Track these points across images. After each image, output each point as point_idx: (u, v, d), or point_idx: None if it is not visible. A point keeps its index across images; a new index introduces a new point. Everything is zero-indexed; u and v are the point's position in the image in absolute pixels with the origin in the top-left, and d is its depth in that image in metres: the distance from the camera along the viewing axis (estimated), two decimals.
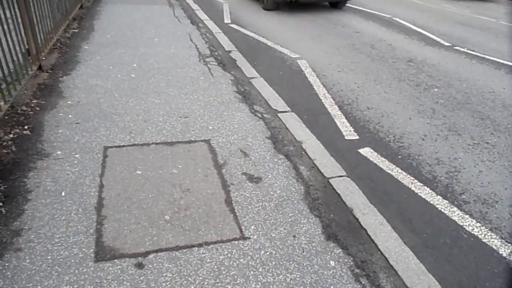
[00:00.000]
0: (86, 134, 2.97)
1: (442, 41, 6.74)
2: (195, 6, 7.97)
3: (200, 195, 2.41)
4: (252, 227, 2.19)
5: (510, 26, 8.63)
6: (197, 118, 3.35)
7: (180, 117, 3.35)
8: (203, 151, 2.89)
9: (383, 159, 3.08)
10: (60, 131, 2.97)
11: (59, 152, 2.71)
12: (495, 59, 5.88)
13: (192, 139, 3.03)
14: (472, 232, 2.41)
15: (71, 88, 3.72)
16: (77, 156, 2.69)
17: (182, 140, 3.01)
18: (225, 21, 7.24)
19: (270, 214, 2.30)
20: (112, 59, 4.59)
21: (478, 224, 2.48)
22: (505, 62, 5.76)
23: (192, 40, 5.58)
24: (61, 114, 3.22)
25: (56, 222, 2.10)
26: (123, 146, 2.87)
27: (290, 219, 2.28)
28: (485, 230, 2.44)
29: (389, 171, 2.93)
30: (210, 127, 3.22)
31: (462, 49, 6.33)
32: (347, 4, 9.46)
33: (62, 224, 2.09)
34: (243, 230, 2.16)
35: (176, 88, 3.92)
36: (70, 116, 3.21)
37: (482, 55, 6.03)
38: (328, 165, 2.83)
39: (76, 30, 5.62)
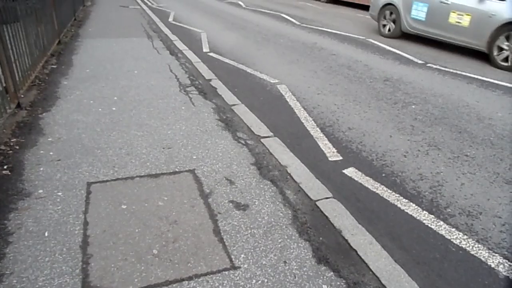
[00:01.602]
0: (68, 170, 2.92)
1: (415, 59, 6.97)
2: (173, 37, 8.08)
3: (188, 227, 2.38)
4: (242, 255, 2.17)
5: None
6: (181, 148, 3.35)
7: (163, 148, 3.34)
8: (188, 181, 2.87)
9: (367, 178, 3.11)
10: (41, 169, 2.92)
11: (40, 191, 2.65)
12: (466, 74, 6.09)
13: (177, 169, 3.02)
14: (460, 245, 2.43)
15: (51, 124, 3.68)
16: (59, 194, 2.63)
17: (167, 171, 2.99)
18: (204, 50, 7.34)
19: (260, 241, 2.29)
20: (93, 93, 4.58)
21: (465, 237, 2.51)
22: (476, 76, 5.97)
23: (172, 71, 5.63)
24: (42, 152, 3.17)
25: (39, 264, 2.03)
26: (107, 181, 2.83)
27: (279, 245, 2.26)
28: (472, 242, 2.46)
29: (374, 190, 2.96)
30: (194, 157, 3.22)
31: (434, 66, 6.55)
32: (321, 28, 9.74)
33: (46, 265, 2.03)
34: (233, 259, 2.14)
35: (158, 119, 3.92)
36: (51, 153, 3.16)
37: (454, 71, 6.24)
38: (314, 187, 2.85)
39: (54, 66, 5.61)
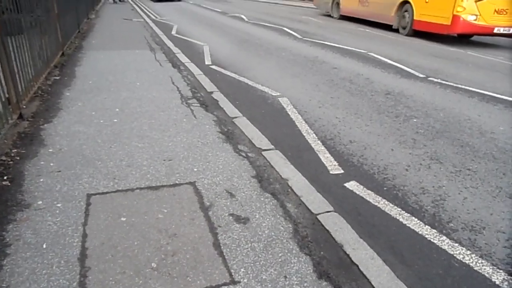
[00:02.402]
0: (68, 182, 2.91)
1: (416, 73, 6.99)
2: (176, 50, 8.15)
3: (187, 240, 2.36)
4: (242, 270, 2.14)
5: (478, 56, 9.03)
6: (182, 161, 3.34)
7: (164, 160, 3.34)
8: (189, 194, 2.85)
9: (369, 191, 3.09)
10: (41, 180, 2.91)
11: (40, 202, 2.64)
12: (467, 87, 6.10)
13: (177, 182, 3.00)
14: (463, 261, 2.40)
15: (52, 135, 3.69)
16: (59, 205, 2.62)
17: (167, 183, 2.97)
18: (206, 62, 7.39)
19: (260, 255, 2.26)
20: (95, 104, 4.60)
21: (468, 252, 2.47)
22: (477, 90, 5.97)
23: (174, 83, 5.66)
24: (42, 163, 3.17)
25: (36, 277, 2.01)
26: (107, 192, 2.81)
27: (280, 259, 2.23)
28: (476, 257, 2.43)
29: (375, 204, 2.93)
30: (195, 169, 3.21)
31: (436, 80, 6.56)
32: (323, 42, 9.83)
33: (43, 278, 2.00)
34: (232, 273, 2.11)
35: (159, 131, 3.92)
36: (51, 164, 3.16)
37: (455, 85, 6.25)
38: (315, 201, 2.82)
39: (57, 77, 5.65)
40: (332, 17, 17.27)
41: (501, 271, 2.32)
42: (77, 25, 9.57)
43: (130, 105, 4.65)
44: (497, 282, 2.23)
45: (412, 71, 7.13)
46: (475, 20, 9.86)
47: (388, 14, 12.55)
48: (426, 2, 10.73)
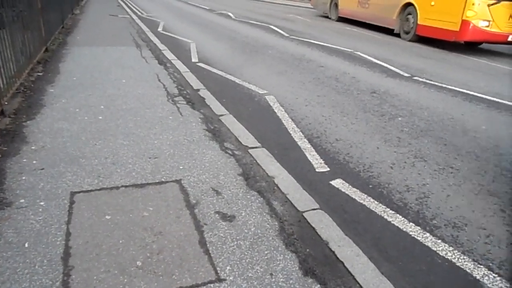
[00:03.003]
0: (52, 180, 2.86)
1: (401, 72, 7.07)
2: (162, 47, 8.07)
3: (173, 238, 2.34)
4: (228, 267, 2.14)
5: (463, 57, 9.18)
6: (167, 158, 3.31)
7: (149, 158, 3.31)
8: (175, 191, 2.83)
9: (354, 189, 3.12)
10: (24, 178, 2.85)
11: (22, 201, 2.58)
12: (451, 87, 6.20)
13: (163, 180, 2.98)
14: (446, 257, 2.44)
15: (35, 132, 3.62)
16: (42, 203, 2.57)
17: (152, 181, 2.95)
18: (193, 60, 7.34)
19: (246, 253, 2.26)
20: (79, 101, 4.53)
21: (451, 248, 2.51)
22: (461, 90, 6.08)
23: (160, 80, 5.61)
24: (25, 160, 3.11)
25: (18, 276, 1.97)
26: (91, 190, 2.78)
27: (266, 257, 2.24)
28: (458, 253, 2.47)
29: (361, 201, 2.96)
30: (181, 167, 3.19)
31: (421, 79, 6.65)
32: (310, 40, 9.87)
33: (25, 278, 1.96)
34: (218, 271, 2.10)
35: (145, 129, 3.88)
36: (34, 162, 3.10)
37: (439, 84, 6.35)
38: (301, 199, 2.84)
39: (41, 74, 5.55)
40: (330, 18, 16.36)
41: (481, 266, 2.37)
42: (61, 21, 9.40)
43: (115, 102, 4.60)
44: (478, 277, 2.28)
45: (398, 70, 7.22)
46: (487, 26, 8.92)
47: (389, 17, 11.80)
48: (432, 5, 9.89)
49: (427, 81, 6.56)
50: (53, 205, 2.57)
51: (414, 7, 10.60)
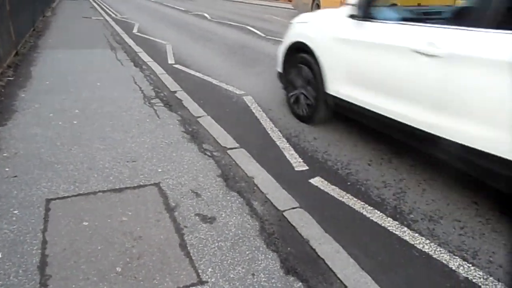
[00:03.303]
0: (26, 187, 2.79)
1: None
2: (137, 49, 7.98)
3: (153, 242, 2.32)
4: (209, 269, 2.13)
5: None
6: (145, 162, 3.28)
7: (127, 161, 3.26)
8: (154, 195, 2.81)
9: (333, 187, 3.15)
10: None
11: None
12: None
13: (141, 183, 2.95)
14: (423, 250, 2.50)
15: (7, 139, 3.52)
16: (15, 212, 2.50)
17: (131, 185, 2.91)
18: (169, 61, 7.29)
19: (227, 254, 2.26)
20: (52, 106, 4.42)
21: (428, 241, 2.57)
22: None
23: (136, 83, 5.54)
24: None
25: None
26: (67, 197, 2.72)
27: (247, 257, 2.24)
28: (434, 246, 2.53)
29: (340, 198, 3.00)
30: (159, 170, 3.16)
31: None
32: (279, 39, 9.92)
33: None
34: (200, 274, 2.09)
35: (121, 132, 3.82)
36: (6, 169, 3.01)
37: None
38: (281, 198, 2.85)
39: (11, 78, 5.40)
40: None
41: (457, 257, 2.43)
42: (32, 23, 9.16)
43: (90, 106, 4.51)
44: (454, 268, 2.34)
45: None
46: None
47: None
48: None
49: None
50: (27, 213, 2.51)
51: None
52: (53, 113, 4.20)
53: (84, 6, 18.50)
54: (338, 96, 3.81)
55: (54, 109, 4.32)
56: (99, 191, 2.82)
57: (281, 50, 4.80)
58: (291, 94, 4.61)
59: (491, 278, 2.26)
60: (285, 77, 4.73)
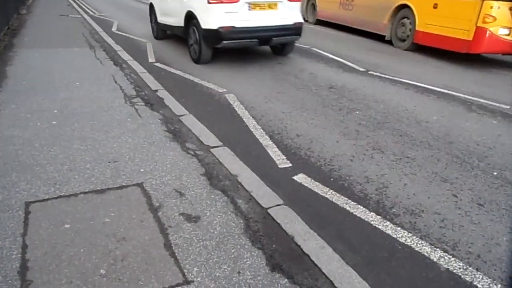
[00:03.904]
0: (3, 191, 2.72)
1: (357, 67, 7.28)
2: (117, 47, 7.85)
3: (137, 243, 2.30)
4: (195, 269, 2.12)
5: (415, 53, 9.54)
6: (128, 162, 3.24)
7: (109, 162, 3.21)
8: (137, 195, 2.77)
9: (317, 183, 3.18)
10: None
11: None
12: (404, 80, 6.45)
13: (124, 184, 2.91)
14: (406, 243, 2.55)
15: None
16: None
17: (113, 186, 2.87)
18: (150, 60, 7.19)
19: (212, 253, 2.25)
20: (30, 106, 4.32)
21: (410, 235, 2.63)
22: (412, 82, 6.33)
23: (116, 82, 5.45)
24: None
25: None
26: (48, 199, 2.67)
27: (233, 255, 2.24)
28: (416, 239, 2.59)
29: (323, 195, 3.03)
30: (142, 170, 3.12)
31: (375, 73, 6.87)
32: None
33: None
34: (185, 273, 2.09)
35: (102, 132, 3.76)
36: None
37: (393, 78, 6.59)
38: (265, 195, 2.86)
39: None
40: (307, 21, 13.62)
41: (437, 249, 2.49)
42: (6, 21, 8.89)
43: (69, 106, 4.43)
44: (435, 260, 2.40)
45: (354, 65, 7.41)
46: (508, 35, 7.21)
47: (379, 22, 9.83)
48: (435, 8, 8.05)
49: (382, 75, 6.78)
50: (6, 217, 2.45)
51: (411, 10, 8.69)
52: (30, 114, 4.11)
53: (61, 4, 18.08)
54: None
55: (32, 110, 4.22)
56: (81, 193, 2.77)
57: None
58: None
59: (470, 268, 2.33)
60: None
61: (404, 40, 9.20)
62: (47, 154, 3.28)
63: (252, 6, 6.46)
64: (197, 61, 7.04)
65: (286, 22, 6.73)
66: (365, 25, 10.58)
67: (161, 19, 8.50)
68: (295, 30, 6.93)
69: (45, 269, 2.06)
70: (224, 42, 6.37)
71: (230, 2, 6.29)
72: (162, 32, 9.04)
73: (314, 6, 13.31)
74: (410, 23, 8.86)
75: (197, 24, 6.57)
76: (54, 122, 3.94)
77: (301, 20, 7.12)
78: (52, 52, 7.14)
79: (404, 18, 9.06)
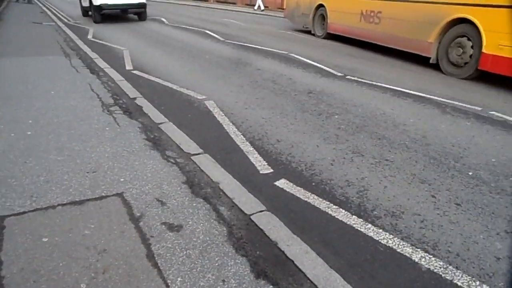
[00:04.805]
0: None
1: (335, 72, 7.38)
2: (93, 55, 7.73)
3: (119, 254, 2.25)
4: (179, 279, 2.09)
5: (391, 58, 9.75)
6: (107, 172, 3.18)
7: (87, 172, 3.15)
8: (117, 205, 2.72)
9: (298, 188, 3.19)
10: None
11: None
12: (381, 84, 6.58)
13: (103, 194, 2.85)
14: (387, 245, 2.58)
15: None
16: None
17: (92, 197, 2.81)
18: (127, 67, 7.11)
19: (196, 262, 2.23)
20: (3, 117, 4.20)
21: (391, 236, 2.66)
22: (389, 86, 6.47)
23: (93, 90, 5.36)
24: None
25: None
26: (24, 212, 2.58)
27: (217, 264, 2.22)
28: (398, 240, 2.62)
29: (306, 199, 3.04)
30: (122, 179, 3.07)
31: (353, 78, 6.98)
32: (245, 44, 9.99)
33: None
34: (169, 284, 2.05)
35: (80, 142, 3.69)
36: None
37: (370, 82, 6.71)
38: (248, 202, 2.85)
39: None
40: (314, 35, 12.13)
41: (418, 249, 2.53)
42: None
43: (45, 115, 4.32)
44: (416, 260, 2.44)
45: (331, 70, 7.51)
46: None
47: (421, 40, 7.75)
48: None
49: (359, 79, 6.90)
50: None
51: (474, 27, 6.51)
52: (3, 125, 3.99)
53: (34, 11, 17.69)
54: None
55: (5, 121, 4.10)
56: (58, 205, 2.70)
57: None
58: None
59: (450, 267, 2.38)
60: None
61: (459, 66, 7.05)
62: (22, 166, 3.19)
63: None
64: (94, 21, 14.29)
65: (134, 1, 14.53)
66: (398, 43, 8.53)
67: (83, 4, 16.10)
68: (140, 5, 14.76)
69: (22, 285, 1.99)
70: (103, 11, 13.91)
71: None
72: (85, 12, 16.05)
73: (323, 17, 11.27)
74: (472, 43, 6.67)
75: (92, 3, 13.94)
76: (29, 133, 3.84)
77: (144, 1, 14.86)
78: (25, 60, 6.97)
79: (461, 36, 6.89)
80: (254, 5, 25.11)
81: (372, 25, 9.17)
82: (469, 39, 6.75)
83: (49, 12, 17.25)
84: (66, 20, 14.72)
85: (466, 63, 6.91)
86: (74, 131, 3.95)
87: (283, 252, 2.36)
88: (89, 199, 2.78)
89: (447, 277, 2.29)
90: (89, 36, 10.68)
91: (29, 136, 3.77)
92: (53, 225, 2.47)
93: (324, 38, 11.40)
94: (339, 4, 10.67)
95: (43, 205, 2.68)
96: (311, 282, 2.14)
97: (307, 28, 12.70)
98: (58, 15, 16.79)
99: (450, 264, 2.40)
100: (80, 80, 5.88)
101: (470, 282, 2.26)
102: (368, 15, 9.22)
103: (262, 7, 24.72)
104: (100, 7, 13.58)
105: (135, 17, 15.92)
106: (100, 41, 9.88)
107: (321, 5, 11.43)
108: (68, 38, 9.91)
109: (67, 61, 7.14)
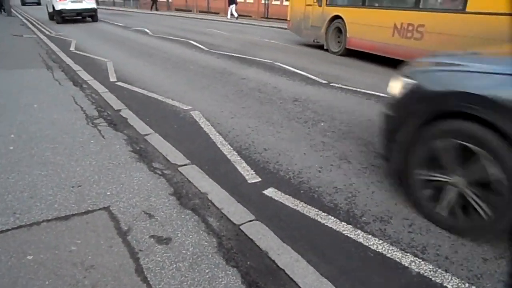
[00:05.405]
0: None
1: (320, 80, 7.45)
2: (76, 67, 7.65)
3: (107, 270, 2.20)
4: None
5: (369, 63, 9.89)
6: (92, 185, 3.12)
7: (72, 187, 3.09)
8: (104, 220, 2.67)
9: (287, 196, 3.19)
10: None
11: None
12: (365, 90, 6.66)
13: (89, 209, 2.80)
14: (377, 250, 2.59)
15: None
16: None
17: (78, 212, 2.76)
18: (111, 79, 7.05)
19: (186, 275, 2.20)
20: None
21: (381, 241, 2.67)
22: (373, 92, 6.55)
23: (77, 103, 5.29)
24: None
25: None
26: (7, 230, 2.52)
27: (207, 276, 2.20)
28: (387, 245, 2.64)
29: (294, 207, 3.04)
30: (108, 193, 3.02)
31: (337, 85, 7.05)
32: (229, 53, 10.02)
33: None
34: None
35: (64, 156, 3.63)
36: None
37: (354, 89, 6.78)
38: (237, 212, 2.84)
39: None
40: (328, 50, 10.54)
41: (408, 254, 2.55)
42: None
43: (28, 129, 4.24)
44: (406, 265, 2.45)
45: (316, 78, 7.58)
46: None
47: None
48: None
49: (343, 86, 6.97)
50: None
51: None
52: None
53: (14, 23, 17.48)
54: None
55: None
56: (43, 221, 2.64)
57: None
58: None
59: (439, 270, 2.39)
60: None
61: None
62: (5, 182, 3.12)
63: (72, 1, 18.25)
64: (57, 22, 18.59)
65: (87, 7, 19.10)
66: None
67: (49, 10, 20.50)
68: (92, 10, 19.49)
69: None
70: (63, 14, 18.40)
71: (63, 1, 18.08)
72: (51, 16, 20.23)
73: (340, 30, 9.78)
74: None
75: (54, 8, 18.46)
76: (11, 148, 3.76)
77: (95, 6, 19.70)
78: (6, 73, 6.86)
79: None
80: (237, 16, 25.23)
81: (411, 41, 7.66)
82: None
83: (30, 25, 17.06)
84: (47, 32, 14.57)
85: None
86: (58, 144, 3.88)
87: (273, 261, 2.35)
88: (75, 214, 2.73)
89: (437, 280, 2.31)
90: (72, 48, 10.58)
91: (11, 151, 3.69)
92: (38, 242, 2.41)
93: (341, 55, 9.89)
94: (361, 15, 9.02)
95: (27, 222, 2.62)
96: None
97: (318, 42, 11.14)
98: (39, 27, 16.61)
99: (439, 267, 2.42)
100: (63, 92, 5.81)
101: (459, 284, 2.28)
102: (405, 28, 7.73)
103: (236, 15, 24.85)
104: (60, 11, 18.34)
105: (120, 28, 15.85)
106: (83, 53, 9.80)
107: (337, 17, 9.77)
108: (50, 50, 9.80)
109: (50, 74, 7.05)
